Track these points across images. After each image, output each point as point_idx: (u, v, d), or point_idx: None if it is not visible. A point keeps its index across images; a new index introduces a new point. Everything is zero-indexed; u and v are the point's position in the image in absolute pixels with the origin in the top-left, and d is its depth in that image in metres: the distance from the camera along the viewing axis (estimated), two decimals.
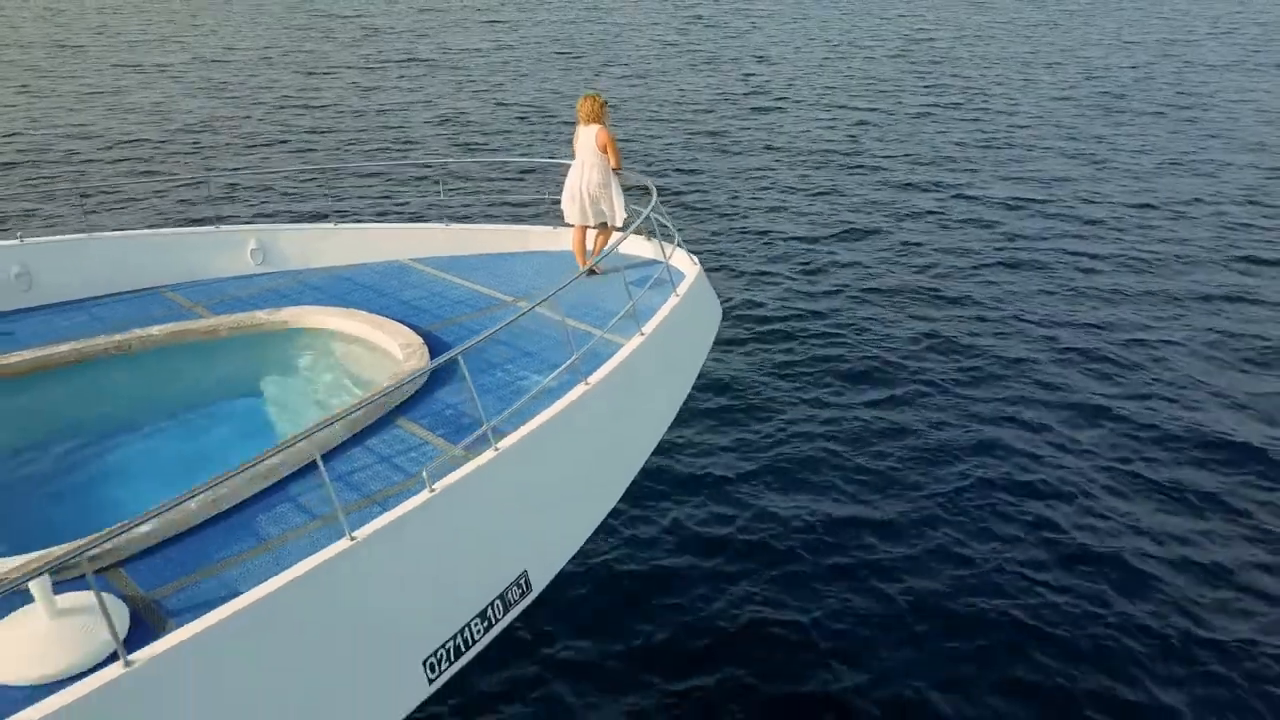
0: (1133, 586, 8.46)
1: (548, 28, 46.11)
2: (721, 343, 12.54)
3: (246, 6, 52.82)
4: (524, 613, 4.21)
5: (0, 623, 3.45)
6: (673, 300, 6.18)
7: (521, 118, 26.67)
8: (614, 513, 5.17)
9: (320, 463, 3.69)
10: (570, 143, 7.61)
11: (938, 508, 9.69)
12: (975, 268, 16.33)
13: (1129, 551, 8.98)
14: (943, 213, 19.14)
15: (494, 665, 7.17)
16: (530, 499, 4.42)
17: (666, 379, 6.00)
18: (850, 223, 18.57)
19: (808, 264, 16.50)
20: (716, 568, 8.66)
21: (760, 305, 14.72)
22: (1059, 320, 14.07)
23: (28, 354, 5.71)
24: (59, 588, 3.52)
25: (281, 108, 27.52)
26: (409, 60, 35.99)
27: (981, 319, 14.23)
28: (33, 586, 3.30)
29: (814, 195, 20.35)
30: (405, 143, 23.71)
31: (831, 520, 9.33)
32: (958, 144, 24.53)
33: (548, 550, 4.40)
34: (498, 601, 4.02)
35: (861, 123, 26.81)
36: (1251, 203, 19.59)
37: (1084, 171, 22.06)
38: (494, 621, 4.00)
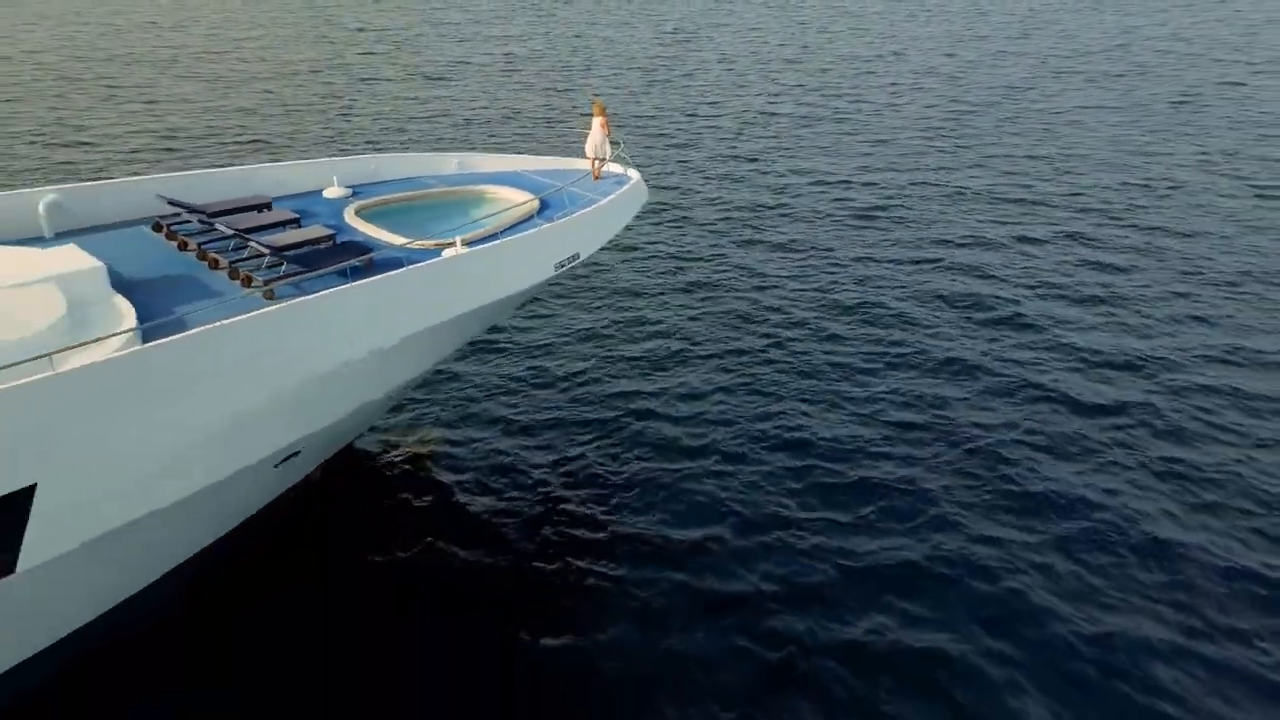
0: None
1: (555, 39, 54.99)
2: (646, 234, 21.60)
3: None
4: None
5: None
6: (626, 186, 14.89)
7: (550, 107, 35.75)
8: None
9: (540, 208, 12.64)
10: (588, 123, 16.45)
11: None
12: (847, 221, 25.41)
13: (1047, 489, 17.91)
14: (838, 196, 28.22)
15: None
16: (576, 234, 13.10)
17: (619, 210, 14.67)
18: (757, 181, 27.66)
19: (714, 193, 25.57)
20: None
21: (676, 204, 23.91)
22: (915, 268, 23.09)
23: (375, 199, 14.31)
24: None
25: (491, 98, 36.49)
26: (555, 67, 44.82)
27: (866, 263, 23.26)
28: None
29: (737, 156, 29.47)
30: (532, 112, 33.10)
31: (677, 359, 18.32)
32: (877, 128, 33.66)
33: (583, 246, 13.19)
34: (569, 258, 12.74)
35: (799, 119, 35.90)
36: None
37: (947, 148, 31.21)
38: (572, 261, 12.78)
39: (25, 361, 7.91)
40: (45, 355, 7.95)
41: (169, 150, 29.97)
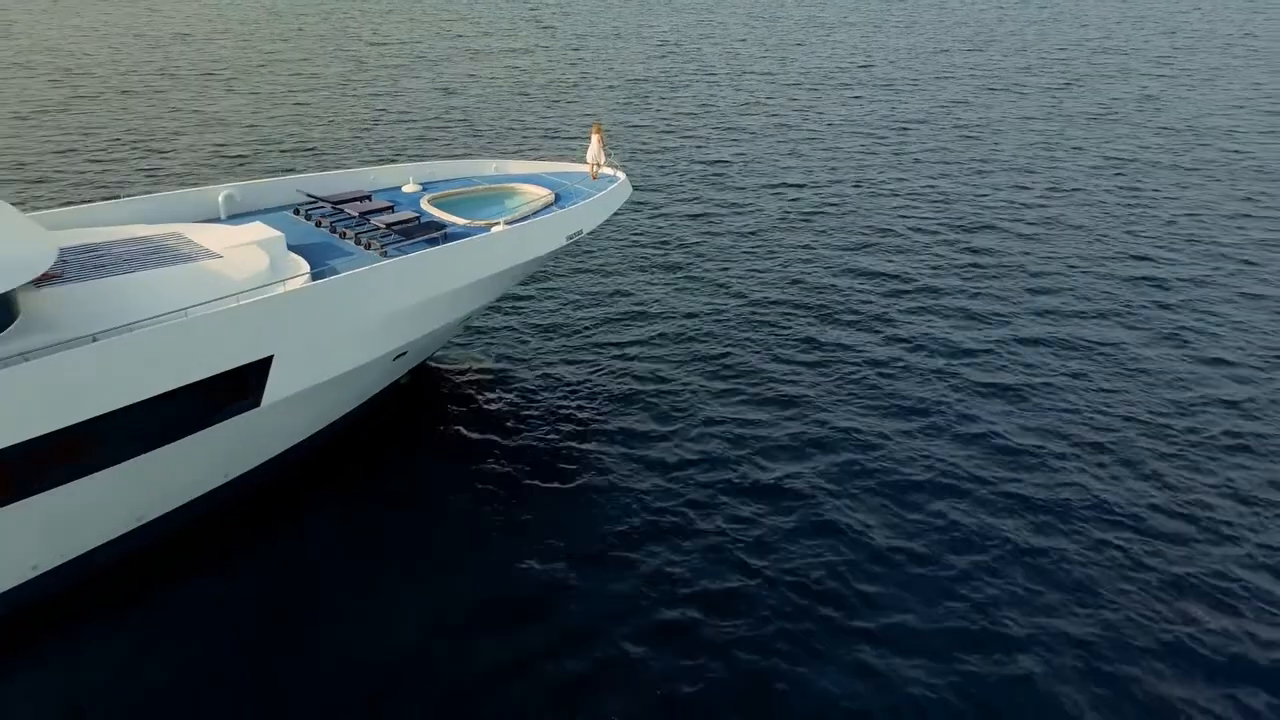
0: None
1: (556, 53, 60.78)
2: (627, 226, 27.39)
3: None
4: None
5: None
6: (616, 184, 20.62)
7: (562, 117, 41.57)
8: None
9: (555, 200, 18.45)
10: (588, 139, 22.18)
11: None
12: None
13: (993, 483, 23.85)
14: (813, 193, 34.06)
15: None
16: (580, 217, 18.82)
17: (611, 201, 20.29)
18: (725, 183, 33.50)
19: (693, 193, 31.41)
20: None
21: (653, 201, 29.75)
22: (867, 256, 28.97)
23: (440, 193, 20.02)
24: None
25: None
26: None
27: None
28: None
29: (707, 157, 35.31)
30: (542, 129, 38.81)
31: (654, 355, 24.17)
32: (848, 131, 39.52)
33: (585, 225, 18.94)
34: (575, 233, 18.49)
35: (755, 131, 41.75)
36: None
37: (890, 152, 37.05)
38: (578, 235, 18.53)
39: (258, 288, 13.70)
40: (278, 281, 13.75)
41: (236, 159, 35.69)
